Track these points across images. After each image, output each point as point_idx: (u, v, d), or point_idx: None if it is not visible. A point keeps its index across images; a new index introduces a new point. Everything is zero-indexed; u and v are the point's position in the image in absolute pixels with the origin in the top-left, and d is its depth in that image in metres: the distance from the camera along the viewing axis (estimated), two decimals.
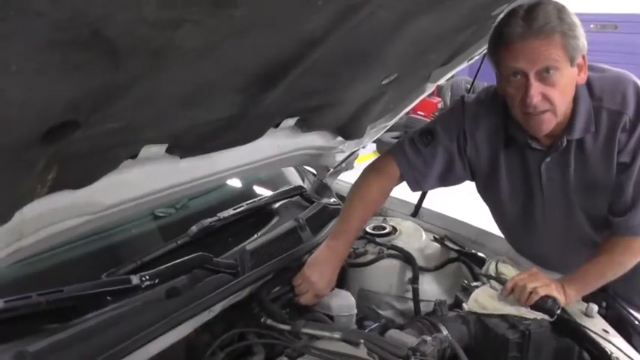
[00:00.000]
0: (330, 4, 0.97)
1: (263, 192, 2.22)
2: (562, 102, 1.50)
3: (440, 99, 8.95)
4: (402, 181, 1.83)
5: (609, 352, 1.52)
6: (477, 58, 2.04)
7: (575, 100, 1.56)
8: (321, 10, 0.97)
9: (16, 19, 0.58)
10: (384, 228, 2.14)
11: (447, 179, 1.82)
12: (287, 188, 2.22)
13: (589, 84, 1.58)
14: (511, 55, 1.46)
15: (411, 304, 1.91)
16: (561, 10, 1.44)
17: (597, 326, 1.62)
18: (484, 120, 1.73)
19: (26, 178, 0.98)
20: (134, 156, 1.27)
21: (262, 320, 1.55)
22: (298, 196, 2.22)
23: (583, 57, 1.50)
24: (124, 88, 0.86)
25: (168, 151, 1.35)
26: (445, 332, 1.50)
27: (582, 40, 1.47)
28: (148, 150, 1.28)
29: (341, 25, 1.07)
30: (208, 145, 1.45)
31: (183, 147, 1.37)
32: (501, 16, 1.52)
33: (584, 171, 1.63)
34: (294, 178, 2.42)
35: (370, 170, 1.86)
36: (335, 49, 1.16)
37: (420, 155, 1.77)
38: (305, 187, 2.30)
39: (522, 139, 1.66)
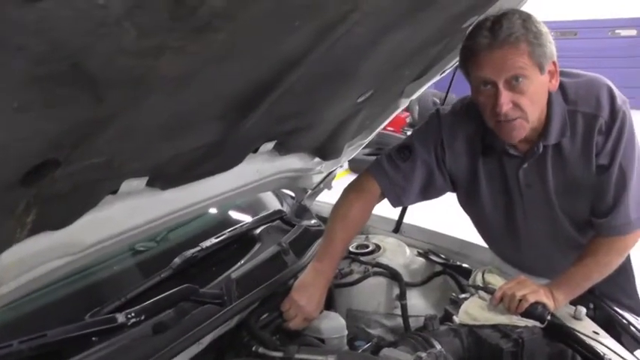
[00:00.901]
0: (307, 24, 0.97)
1: (243, 218, 2.19)
2: (533, 109, 1.52)
3: (408, 113, 9.05)
4: (382, 199, 1.83)
5: (602, 354, 1.52)
6: (448, 71, 2.06)
7: (549, 105, 1.58)
8: (298, 31, 0.97)
9: None
10: (368, 246, 2.13)
11: (428, 193, 1.82)
12: (267, 213, 2.20)
13: (563, 89, 1.60)
14: (479, 66, 1.49)
15: (400, 321, 1.90)
16: (526, 19, 1.46)
17: (587, 328, 1.62)
18: (461, 129, 1.74)
19: (5, 223, 0.95)
20: (114, 191, 1.24)
21: (253, 349, 1.52)
22: (279, 220, 2.20)
23: (554, 64, 1.52)
24: (106, 122, 0.83)
25: (149, 184, 1.32)
26: (439, 347, 1.49)
27: (550, 48, 1.49)
28: (129, 184, 1.25)
29: (318, 44, 1.07)
30: (189, 175, 1.43)
31: (164, 178, 1.34)
32: (470, 28, 1.54)
33: (563, 175, 1.65)
34: (272, 202, 2.40)
35: (350, 190, 1.85)
36: (313, 68, 1.15)
37: (399, 171, 1.77)
38: (284, 210, 2.28)
39: (499, 147, 1.67)
